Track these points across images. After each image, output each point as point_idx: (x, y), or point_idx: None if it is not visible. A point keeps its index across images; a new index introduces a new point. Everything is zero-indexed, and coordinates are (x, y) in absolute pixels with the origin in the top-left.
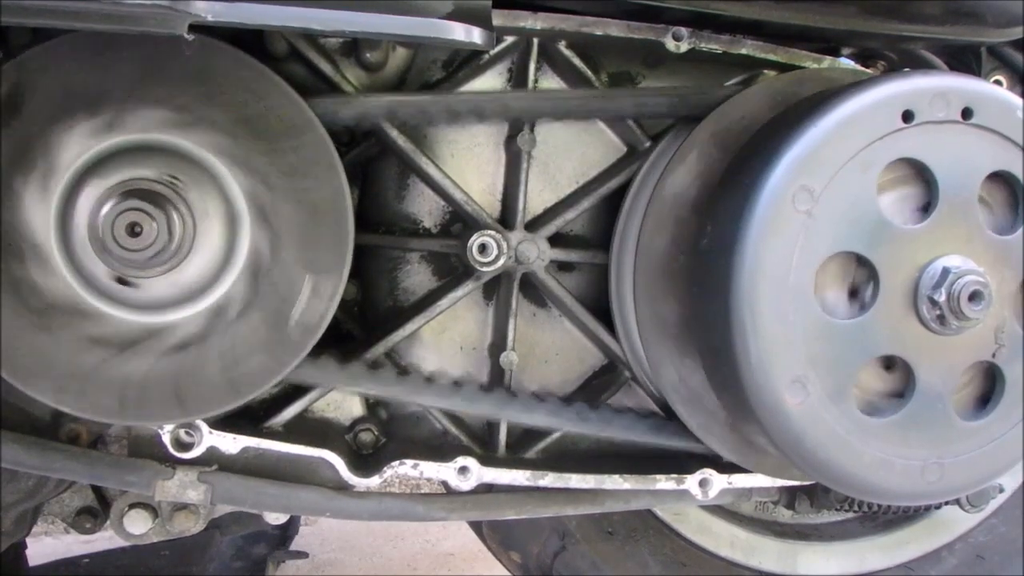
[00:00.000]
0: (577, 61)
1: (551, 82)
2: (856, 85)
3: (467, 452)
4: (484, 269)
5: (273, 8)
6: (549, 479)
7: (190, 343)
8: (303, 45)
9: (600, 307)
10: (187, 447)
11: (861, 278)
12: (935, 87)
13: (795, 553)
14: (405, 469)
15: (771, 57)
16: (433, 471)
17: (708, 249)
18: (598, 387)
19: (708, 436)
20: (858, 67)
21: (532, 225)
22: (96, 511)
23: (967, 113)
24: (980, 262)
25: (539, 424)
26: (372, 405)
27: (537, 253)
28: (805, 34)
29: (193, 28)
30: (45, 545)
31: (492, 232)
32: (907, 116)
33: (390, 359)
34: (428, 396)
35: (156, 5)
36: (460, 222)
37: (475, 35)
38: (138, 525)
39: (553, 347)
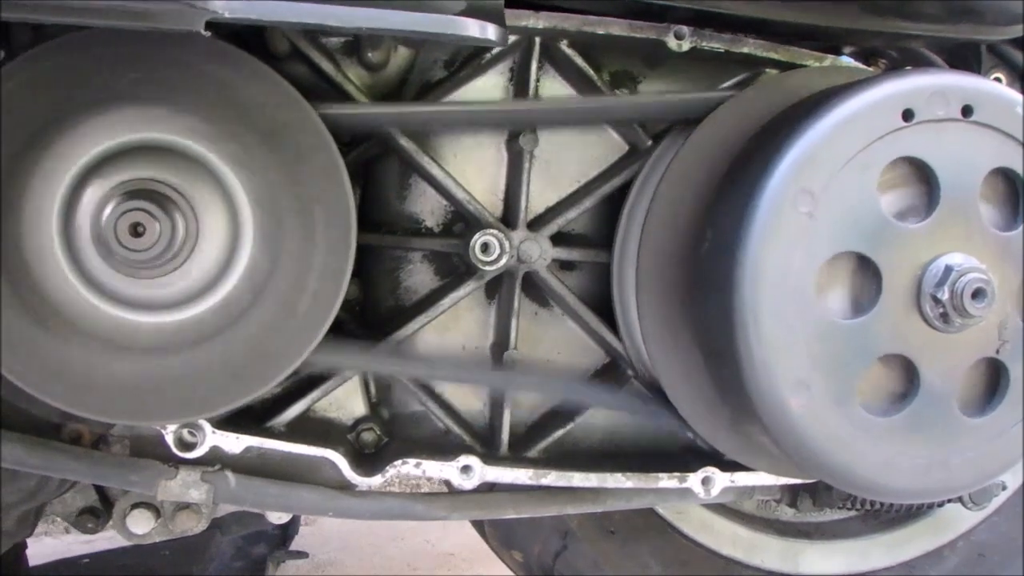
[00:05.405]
0: (579, 60)
1: (553, 81)
2: (855, 84)
3: (469, 451)
4: (486, 268)
5: (290, 5)
6: (551, 478)
7: (197, 341)
8: (304, 44)
9: (602, 306)
10: (190, 447)
11: (863, 278)
12: (934, 85)
13: (797, 551)
14: (407, 468)
15: (773, 56)
16: (436, 470)
17: (709, 251)
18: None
19: (710, 435)
20: (859, 65)
21: (534, 224)
22: (98, 511)
23: (967, 111)
24: (982, 259)
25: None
26: (374, 404)
27: (539, 252)
28: (807, 33)
29: (209, 25)
30: (45, 545)
31: (494, 231)
32: (907, 115)
33: None
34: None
35: (172, 1)
36: (462, 221)
37: (489, 31)
38: (141, 525)
39: (555, 346)
